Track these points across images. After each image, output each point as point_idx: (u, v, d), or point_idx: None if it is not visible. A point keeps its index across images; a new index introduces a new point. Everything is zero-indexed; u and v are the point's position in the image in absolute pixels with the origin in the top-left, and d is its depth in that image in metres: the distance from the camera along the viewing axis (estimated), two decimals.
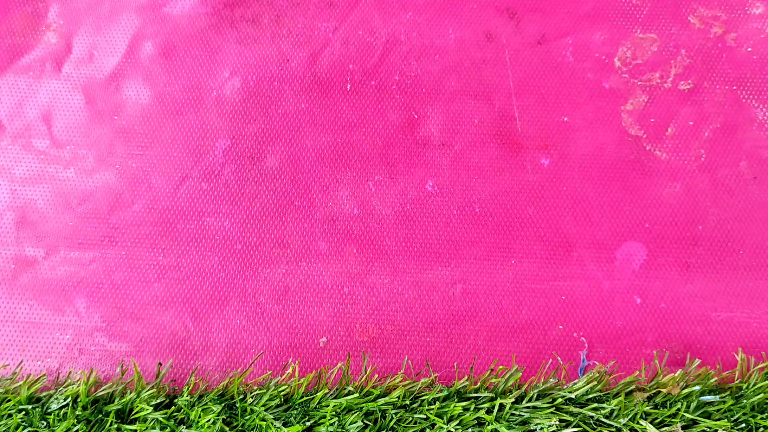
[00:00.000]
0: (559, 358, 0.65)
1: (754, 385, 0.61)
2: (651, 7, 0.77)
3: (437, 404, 0.58)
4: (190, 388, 0.60)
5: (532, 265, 0.69)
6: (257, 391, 0.60)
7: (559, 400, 0.58)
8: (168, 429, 0.57)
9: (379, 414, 0.58)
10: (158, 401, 0.59)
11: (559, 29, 0.77)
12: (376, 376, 0.63)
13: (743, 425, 0.59)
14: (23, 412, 0.58)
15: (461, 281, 0.68)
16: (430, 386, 0.61)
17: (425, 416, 0.58)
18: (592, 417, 0.58)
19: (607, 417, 0.58)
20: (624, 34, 0.76)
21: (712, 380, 0.61)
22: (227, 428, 0.57)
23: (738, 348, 0.65)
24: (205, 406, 0.58)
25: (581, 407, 0.58)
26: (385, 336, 0.66)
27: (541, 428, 0.56)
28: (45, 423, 0.57)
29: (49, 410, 0.58)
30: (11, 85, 0.72)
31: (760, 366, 0.63)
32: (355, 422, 0.57)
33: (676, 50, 0.75)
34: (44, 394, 0.60)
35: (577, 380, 0.61)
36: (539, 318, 0.66)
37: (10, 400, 0.58)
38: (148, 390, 0.59)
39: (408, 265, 0.68)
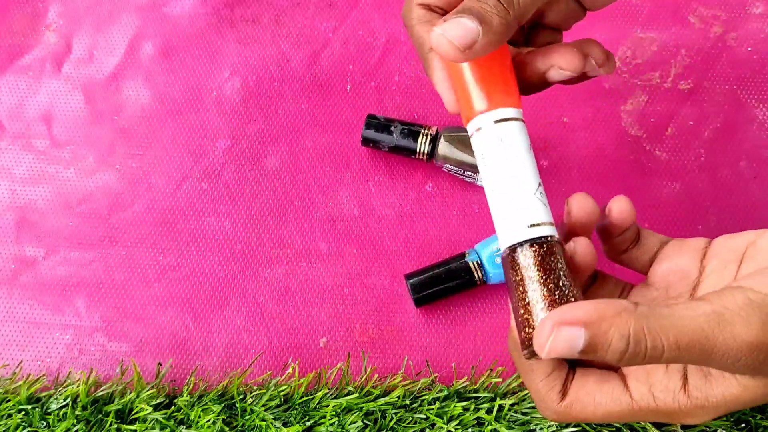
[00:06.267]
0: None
1: None
2: (651, 7, 0.76)
3: (437, 404, 0.58)
4: (190, 388, 0.60)
5: None
6: (257, 392, 0.60)
7: None
8: (168, 429, 0.57)
9: (379, 414, 0.58)
10: (158, 401, 0.59)
11: None
12: (376, 376, 0.63)
13: (743, 425, 0.59)
14: (23, 412, 0.58)
15: None
16: (430, 386, 0.61)
17: (425, 416, 0.58)
18: None
19: None
20: (624, 34, 0.75)
21: None
22: (227, 428, 0.57)
23: None
24: (205, 406, 0.58)
25: None
26: (385, 336, 0.66)
27: (541, 428, 0.56)
28: (45, 423, 0.57)
29: (48, 410, 0.58)
30: (11, 85, 0.72)
31: None
32: (355, 422, 0.57)
33: (676, 50, 0.75)
34: (44, 394, 0.60)
35: None
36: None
37: (9, 400, 0.58)
38: (148, 390, 0.59)
39: (408, 265, 0.67)
